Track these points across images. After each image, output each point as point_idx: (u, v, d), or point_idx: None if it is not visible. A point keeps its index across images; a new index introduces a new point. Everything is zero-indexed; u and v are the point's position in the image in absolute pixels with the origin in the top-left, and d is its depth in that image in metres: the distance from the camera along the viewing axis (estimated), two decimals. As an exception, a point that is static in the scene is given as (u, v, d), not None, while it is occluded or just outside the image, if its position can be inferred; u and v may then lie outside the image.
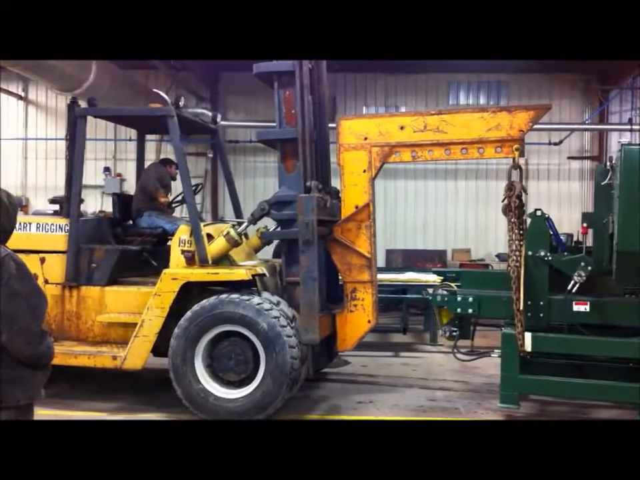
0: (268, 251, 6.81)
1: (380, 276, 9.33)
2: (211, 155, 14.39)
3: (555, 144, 14.17)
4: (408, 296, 9.29)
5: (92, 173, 14.19)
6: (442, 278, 6.86)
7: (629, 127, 13.76)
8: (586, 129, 14.27)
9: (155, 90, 12.89)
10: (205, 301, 5.41)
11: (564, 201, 14.34)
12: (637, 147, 5.22)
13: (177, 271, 5.56)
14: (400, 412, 5.95)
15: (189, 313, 5.41)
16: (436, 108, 13.54)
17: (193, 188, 6.28)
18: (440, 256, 14.27)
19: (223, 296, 5.40)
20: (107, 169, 14.15)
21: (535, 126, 14.20)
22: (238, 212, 6.80)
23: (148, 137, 13.13)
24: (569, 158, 14.39)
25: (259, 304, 5.34)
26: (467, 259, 13.76)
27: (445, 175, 14.56)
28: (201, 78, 14.08)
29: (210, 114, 12.93)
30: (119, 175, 14.21)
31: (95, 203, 13.65)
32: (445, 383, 7.04)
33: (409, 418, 5.71)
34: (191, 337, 5.38)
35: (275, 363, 5.25)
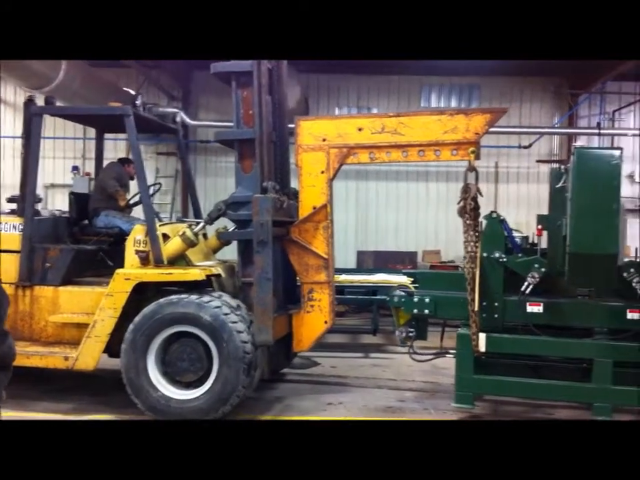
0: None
1: (351, 277, 9.40)
2: (181, 155, 14.33)
3: (525, 147, 14.29)
4: (378, 297, 9.26)
5: (61, 172, 14.11)
6: (412, 279, 6.90)
7: (597, 131, 13.95)
8: (555, 133, 14.40)
9: (125, 89, 12.92)
10: (145, 309, 5.38)
11: (532, 204, 14.40)
12: (589, 149, 5.28)
13: (130, 271, 5.51)
14: (369, 413, 5.95)
15: (131, 326, 5.38)
16: (407, 109, 13.63)
17: (154, 188, 6.27)
18: (411, 257, 14.34)
19: (162, 300, 5.38)
20: (75, 168, 13.99)
21: (505, 129, 14.46)
22: (197, 212, 6.77)
23: (119, 135, 13.15)
24: (538, 161, 14.51)
25: (197, 299, 5.33)
26: (437, 261, 13.84)
27: (416, 177, 14.62)
28: (173, 77, 14.01)
29: (179, 112, 13.05)
30: (88, 174, 13.99)
31: (63, 202, 13.49)
32: (415, 383, 7.05)
33: (379, 419, 5.72)
34: (139, 349, 5.35)
35: (227, 352, 5.23)
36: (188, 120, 13.50)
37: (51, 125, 12.99)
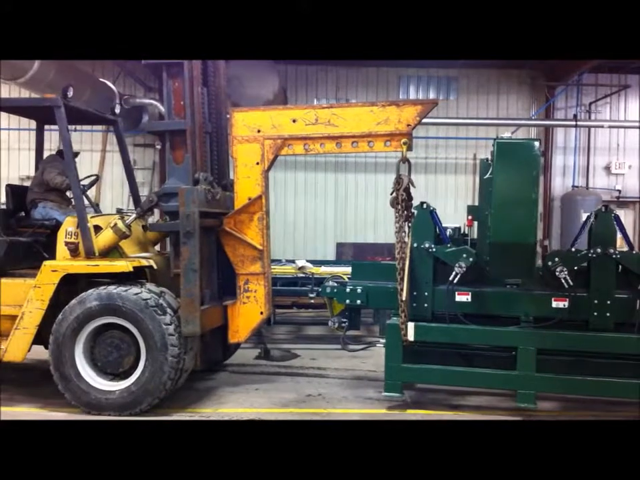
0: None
1: (330, 269, 9.42)
2: (159, 147, 14.36)
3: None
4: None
5: (30, 164, 14.15)
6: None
7: (573, 122, 13.97)
8: (532, 125, 14.43)
9: (101, 79, 12.94)
10: (54, 325, 5.47)
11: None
12: (509, 141, 5.32)
13: (57, 263, 5.56)
14: (349, 404, 5.98)
15: (50, 346, 5.47)
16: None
17: (90, 179, 6.33)
18: (389, 249, 14.33)
19: (67, 306, 5.48)
20: (45, 160, 14.02)
21: (483, 121, 14.38)
22: (137, 203, 6.78)
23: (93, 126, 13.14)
24: (515, 153, 14.51)
25: (79, 298, 5.46)
26: (415, 252, 13.82)
27: (394, 169, 14.62)
28: (149, 68, 13.99)
29: (159, 105, 13.03)
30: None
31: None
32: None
33: (357, 410, 5.79)
34: (69, 364, 5.43)
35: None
36: (165, 111, 13.50)
37: (25, 117, 13.07)
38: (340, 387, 6.59)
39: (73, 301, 5.45)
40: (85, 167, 14.23)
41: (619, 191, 14.24)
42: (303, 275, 9.04)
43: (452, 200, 14.27)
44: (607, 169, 14.41)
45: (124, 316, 5.38)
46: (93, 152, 14.60)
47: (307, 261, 9.99)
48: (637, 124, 13.99)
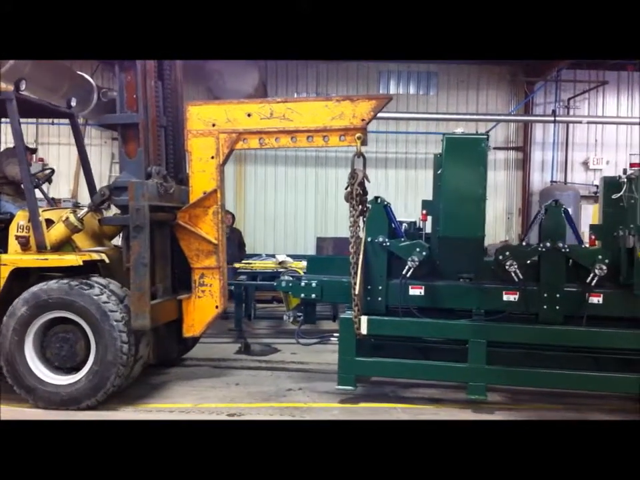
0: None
1: None
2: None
3: (482, 134, 14.28)
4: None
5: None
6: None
7: (552, 118, 14.01)
8: (511, 120, 14.47)
9: (79, 72, 12.86)
10: None
11: (489, 190, 14.40)
12: (458, 136, 5.32)
13: (6, 257, 5.53)
14: (329, 398, 5.97)
15: (3, 367, 5.43)
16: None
17: (46, 173, 6.30)
18: (369, 244, 14.40)
19: (2, 325, 5.47)
20: (29, 153, 13.96)
21: (462, 116, 14.41)
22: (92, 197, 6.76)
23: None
24: (495, 148, 14.48)
25: (10, 308, 5.46)
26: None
27: (375, 164, 14.61)
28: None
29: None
30: (41, 159, 14.05)
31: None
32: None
33: (337, 405, 5.80)
34: (27, 376, 5.40)
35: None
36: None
37: (2, 110, 12.99)
38: (320, 381, 6.58)
39: (5, 318, 5.42)
40: (63, 160, 14.31)
41: (597, 186, 14.27)
42: (283, 270, 9.03)
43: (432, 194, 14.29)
44: (585, 164, 14.46)
45: (55, 307, 5.36)
46: (71, 145, 14.51)
47: (287, 255, 9.99)
48: (614, 120, 14.06)
